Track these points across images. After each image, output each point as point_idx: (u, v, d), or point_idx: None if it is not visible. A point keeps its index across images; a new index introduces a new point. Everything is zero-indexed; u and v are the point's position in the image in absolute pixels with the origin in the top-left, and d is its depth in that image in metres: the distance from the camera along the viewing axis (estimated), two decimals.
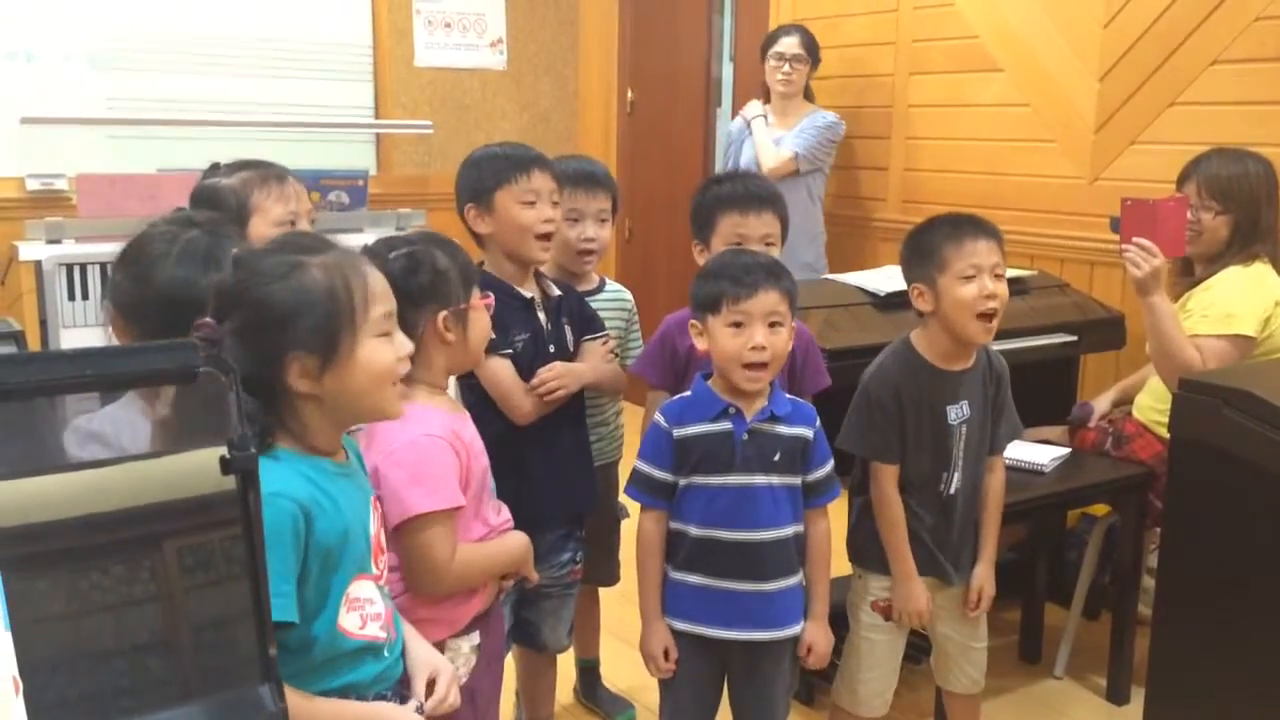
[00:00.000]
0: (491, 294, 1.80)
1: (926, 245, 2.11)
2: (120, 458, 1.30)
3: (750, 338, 1.85)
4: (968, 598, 2.20)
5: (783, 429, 1.93)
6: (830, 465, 1.99)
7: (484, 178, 2.09)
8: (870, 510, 2.15)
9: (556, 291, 2.17)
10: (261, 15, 4.53)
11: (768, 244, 2.17)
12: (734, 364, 1.87)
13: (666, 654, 1.96)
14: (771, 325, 1.86)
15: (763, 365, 1.86)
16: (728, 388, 1.91)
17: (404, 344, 1.43)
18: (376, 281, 1.40)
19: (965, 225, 2.09)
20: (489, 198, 2.08)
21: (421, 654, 1.51)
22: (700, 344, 1.93)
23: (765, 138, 4.04)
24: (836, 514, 2.06)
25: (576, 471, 2.20)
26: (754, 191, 2.21)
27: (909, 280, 2.15)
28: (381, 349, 1.38)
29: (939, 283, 2.07)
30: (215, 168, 2.18)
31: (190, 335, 1.48)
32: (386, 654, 1.44)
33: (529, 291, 2.12)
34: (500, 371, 2.03)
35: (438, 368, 1.73)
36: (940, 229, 2.11)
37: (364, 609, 1.40)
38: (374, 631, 1.41)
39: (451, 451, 1.65)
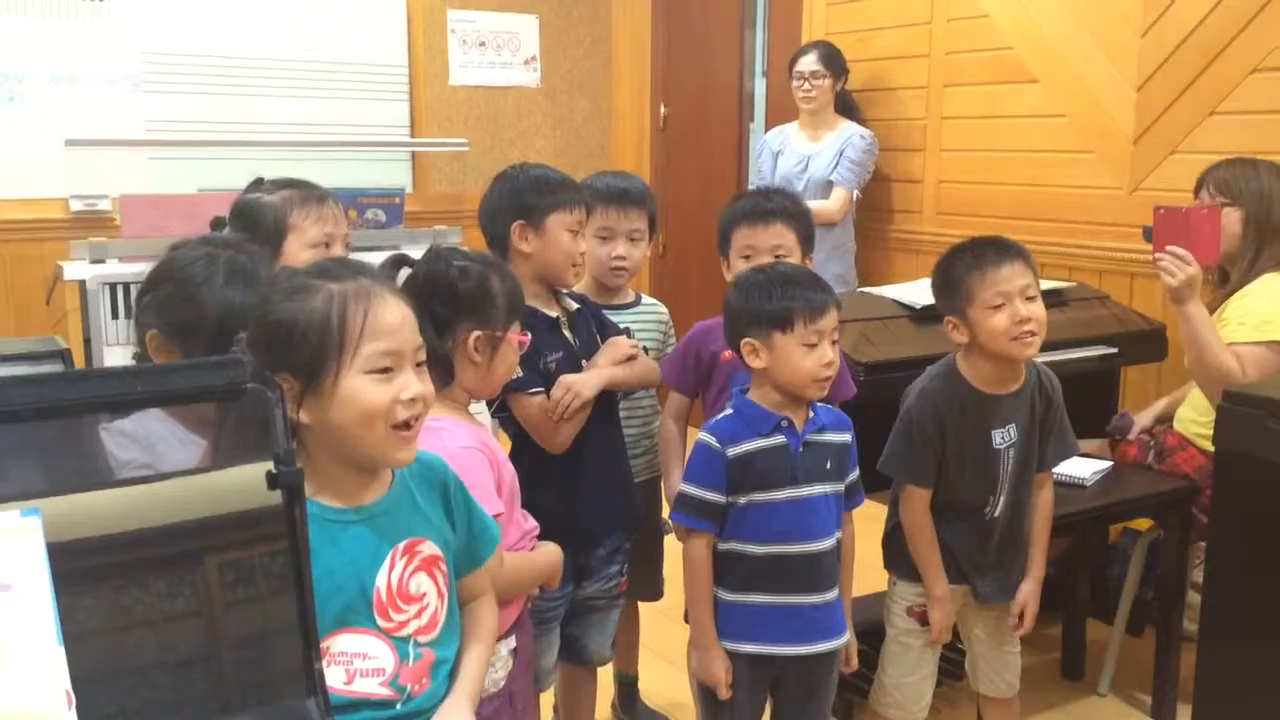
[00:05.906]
0: (529, 335, 1.82)
1: (951, 278, 2.07)
2: (165, 474, 1.32)
3: (824, 354, 1.85)
4: (1009, 614, 2.18)
5: (831, 437, 1.93)
6: (857, 470, 2.00)
7: (541, 198, 2.08)
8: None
9: (574, 305, 2.19)
10: (299, 37, 4.60)
11: (778, 255, 2.17)
12: (808, 379, 1.85)
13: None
14: (833, 342, 1.88)
15: (829, 379, 1.87)
16: (777, 402, 1.89)
17: (409, 385, 1.33)
18: (388, 317, 1.32)
19: (987, 252, 2.03)
20: (541, 218, 2.08)
21: (441, 713, 1.42)
22: (756, 362, 1.87)
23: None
24: (872, 519, 2.05)
25: (624, 486, 2.22)
26: (763, 205, 2.24)
27: (942, 314, 2.12)
28: (371, 387, 1.30)
29: (970, 315, 2.03)
30: (259, 182, 2.20)
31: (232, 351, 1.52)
32: (399, 707, 1.36)
33: (553, 311, 2.13)
34: (530, 410, 2.03)
35: (458, 385, 1.73)
36: (962, 259, 2.06)
37: (351, 664, 1.34)
38: (368, 688, 1.34)
39: (486, 460, 1.67)
